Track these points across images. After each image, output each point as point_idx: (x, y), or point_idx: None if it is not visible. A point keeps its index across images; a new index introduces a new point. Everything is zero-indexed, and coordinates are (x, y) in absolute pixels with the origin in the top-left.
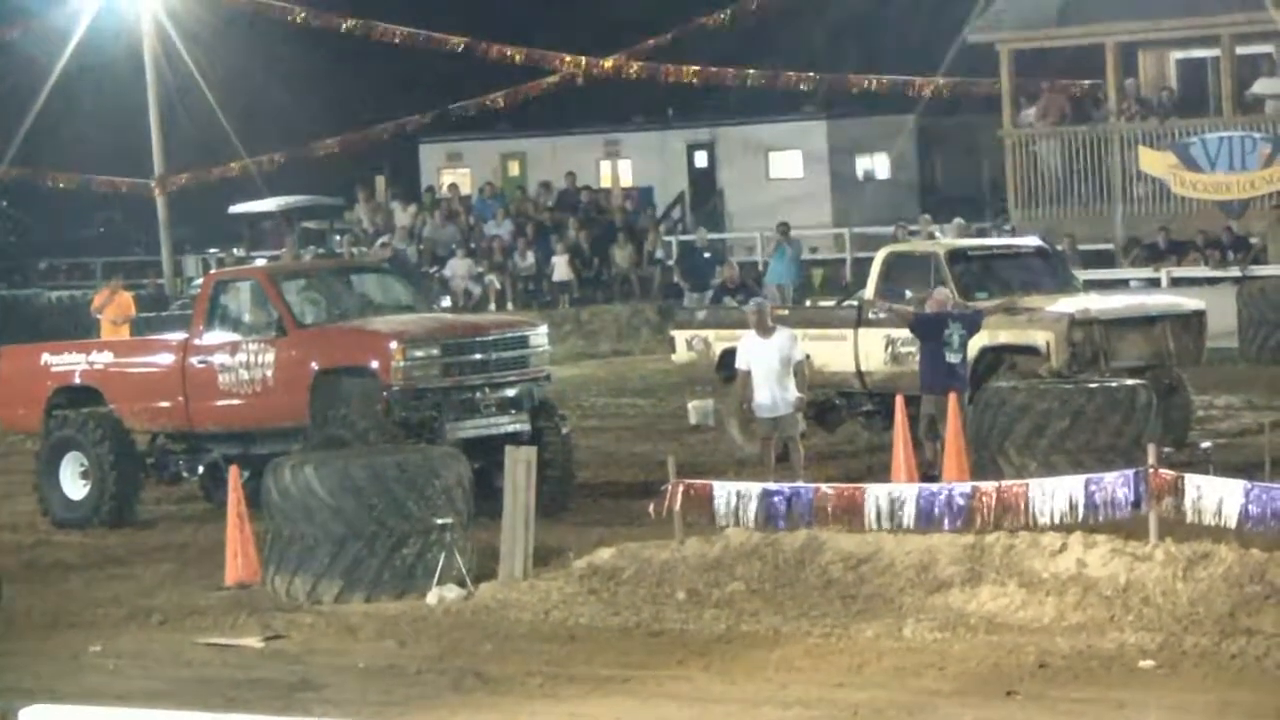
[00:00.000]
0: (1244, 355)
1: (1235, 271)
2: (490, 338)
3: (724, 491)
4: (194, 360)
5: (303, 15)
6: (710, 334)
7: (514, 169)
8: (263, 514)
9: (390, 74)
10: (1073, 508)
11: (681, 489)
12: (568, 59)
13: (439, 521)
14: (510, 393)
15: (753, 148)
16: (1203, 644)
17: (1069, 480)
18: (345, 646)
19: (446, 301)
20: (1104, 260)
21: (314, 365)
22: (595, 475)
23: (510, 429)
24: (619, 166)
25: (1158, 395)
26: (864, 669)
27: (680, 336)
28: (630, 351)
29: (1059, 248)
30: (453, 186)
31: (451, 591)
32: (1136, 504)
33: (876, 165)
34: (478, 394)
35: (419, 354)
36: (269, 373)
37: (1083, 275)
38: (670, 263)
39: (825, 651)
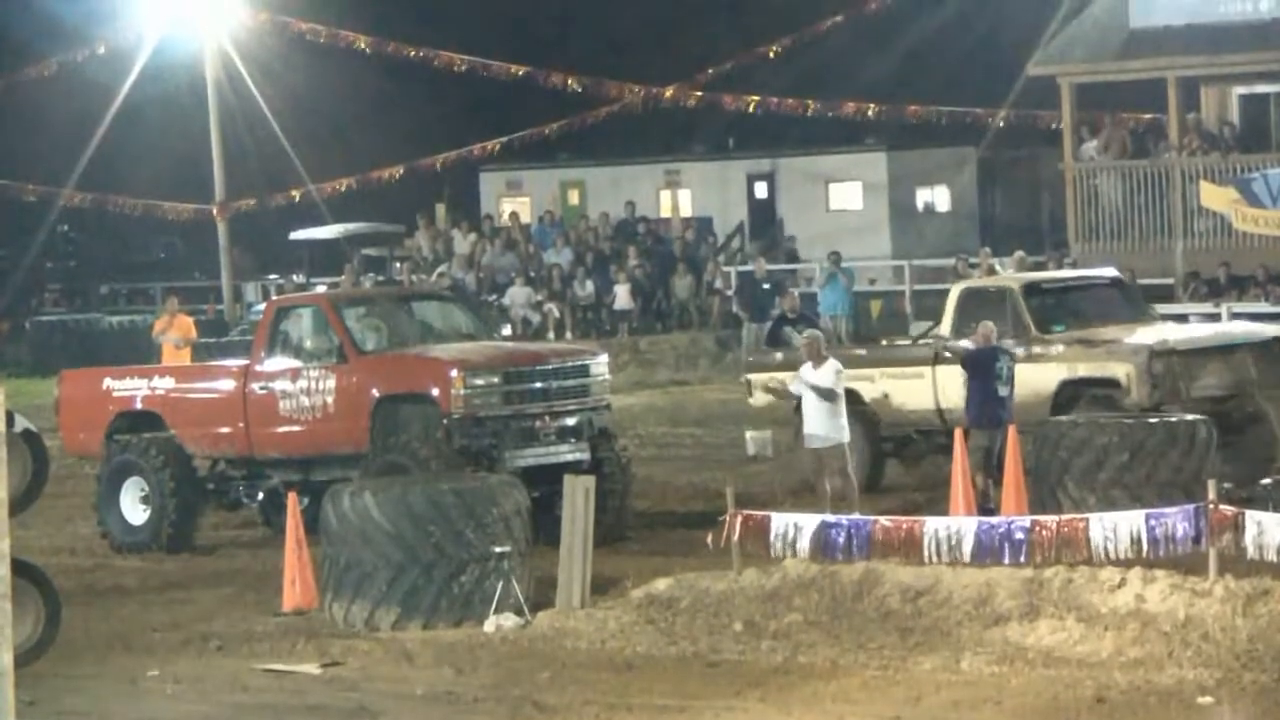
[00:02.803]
0: None
1: None
2: (550, 366)
3: (782, 523)
4: (255, 386)
5: (366, 43)
6: (787, 376)
7: (574, 197)
8: (321, 540)
9: (452, 102)
10: (1133, 543)
11: (740, 520)
12: (628, 88)
13: (497, 550)
14: (570, 421)
15: (813, 178)
16: (1262, 680)
17: (1129, 515)
18: (402, 674)
19: (507, 330)
20: (1163, 295)
21: (374, 392)
22: (653, 505)
23: (570, 457)
24: (679, 196)
25: (1241, 424)
26: (921, 702)
27: (756, 380)
28: (688, 381)
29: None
30: (513, 215)
31: (509, 620)
32: (1196, 539)
33: (937, 197)
34: (538, 422)
35: (479, 382)
36: (329, 399)
37: None
38: (729, 293)
39: (882, 684)
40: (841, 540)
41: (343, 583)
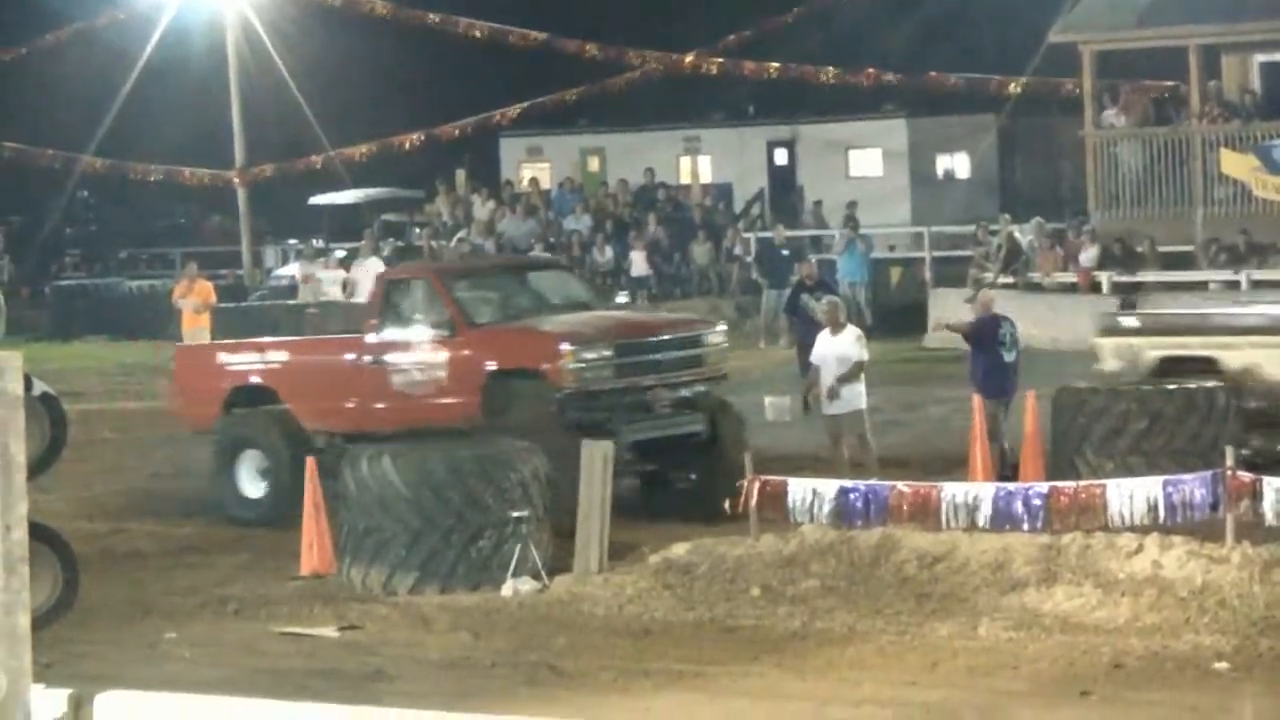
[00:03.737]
0: None
1: None
2: (664, 337)
3: (799, 488)
4: (367, 360)
5: (385, 9)
6: (1142, 341)
7: (594, 164)
8: (339, 505)
9: (472, 68)
10: (1150, 509)
11: (758, 485)
12: (649, 55)
13: (515, 515)
14: (685, 393)
15: (833, 145)
16: (1278, 647)
17: (1147, 481)
18: (419, 638)
19: (623, 298)
20: (1184, 262)
21: (485, 366)
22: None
23: (686, 430)
24: (699, 163)
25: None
26: (937, 668)
27: (1107, 345)
28: None
29: (1139, 249)
30: (533, 181)
31: (526, 584)
32: (1214, 506)
33: (957, 165)
34: (651, 395)
35: (590, 355)
36: (440, 373)
37: (1162, 277)
38: (749, 259)
39: (899, 650)
40: (860, 506)
41: (361, 547)
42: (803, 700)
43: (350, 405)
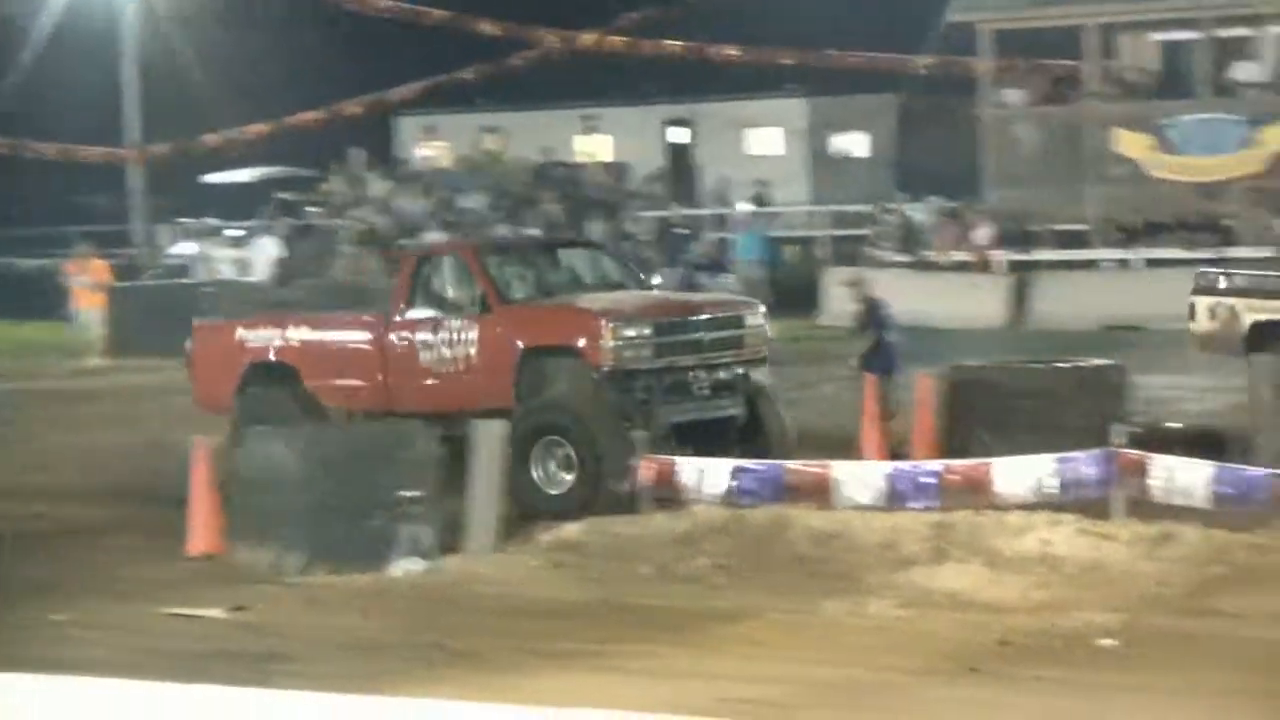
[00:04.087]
0: None
1: (1208, 254)
2: (705, 317)
3: (690, 468)
4: (394, 337)
5: None
6: (1239, 302)
7: (491, 143)
8: (229, 483)
9: (371, 47)
10: (1040, 487)
11: (648, 465)
12: (548, 34)
13: (406, 494)
14: (724, 375)
15: (732, 124)
16: (1164, 624)
17: (1036, 459)
18: (311, 619)
19: (658, 279)
20: (1079, 241)
21: (519, 344)
22: None
23: (726, 413)
24: (597, 141)
25: None
26: (830, 645)
27: (1202, 303)
28: None
29: (1033, 228)
30: (427, 159)
31: (417, 564)
32: (1104, 484)
33: (856, 144)
34: (691, 376)
35: (630, 333)
36: (472, 351)
37: (1056, 256)
38: (646, 238)
39: (792, 627)
40: (751, 485)
41: (251, 527)
42: (699, 678)
43: (375, 384)
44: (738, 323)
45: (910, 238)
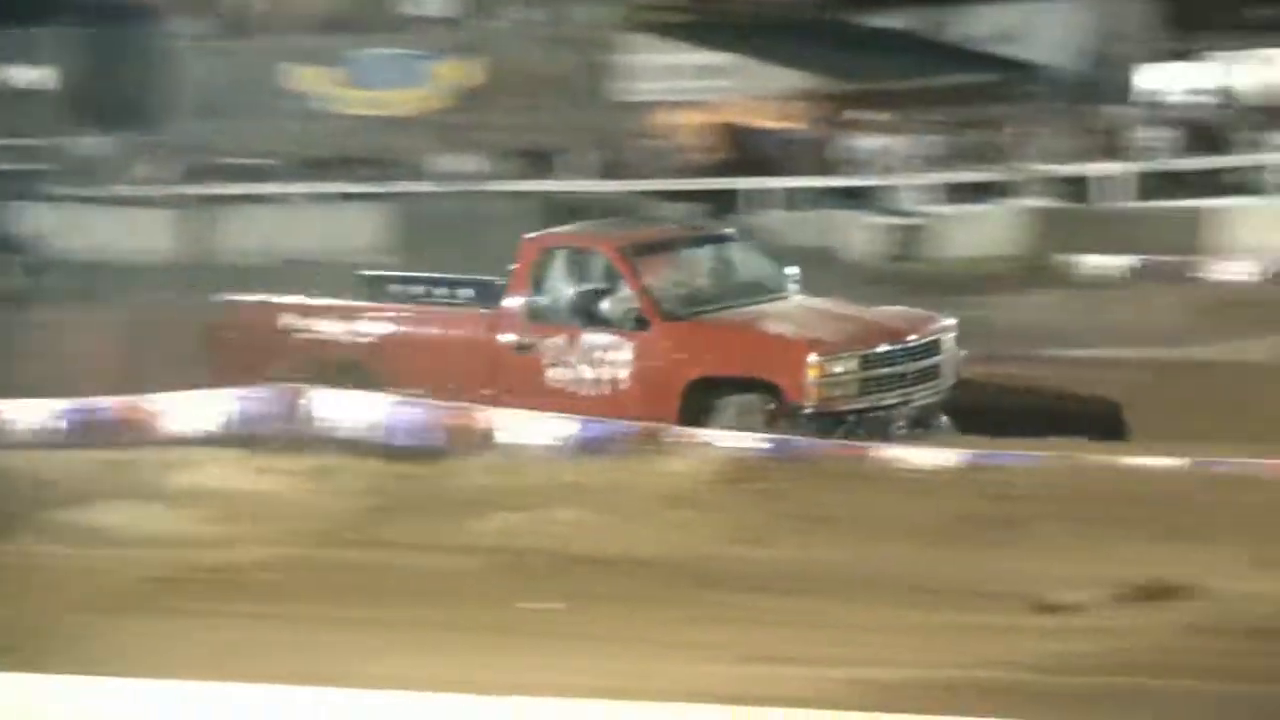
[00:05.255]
0: None
1: (393, 188)
2: (911, 345)
3: None
4: (508, 342)
5: None
6: None
7: None
8: None
9: None
10: (218, 422)
11: None
12: None
13: None
14: (919, 409)
15: None
16: (327, 555)
17: (207, 394)
18: None
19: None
20: (260, 175)
21: (688, 373)
22: None
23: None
24: None
25: None
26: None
27: None
28: None
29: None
30: None
31: None
32: (272, 419)
33: (38, 76)
34: (889, 414)
35: (839, 369)
36: (620, 374)
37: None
38: None
39: None
40: None
41: None
42: None
43: (480, 399)
44: (936, 348)
45: (94, 171)
